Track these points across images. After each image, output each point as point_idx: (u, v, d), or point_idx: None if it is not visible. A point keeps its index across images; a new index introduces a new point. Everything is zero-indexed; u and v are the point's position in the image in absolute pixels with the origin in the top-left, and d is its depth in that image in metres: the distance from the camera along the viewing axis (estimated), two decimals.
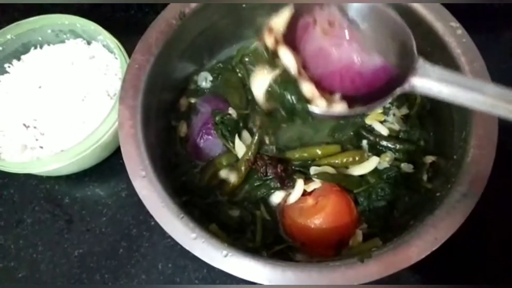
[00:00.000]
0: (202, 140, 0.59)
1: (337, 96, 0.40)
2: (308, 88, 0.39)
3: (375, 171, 0.55)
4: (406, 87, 0.38)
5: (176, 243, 0.62)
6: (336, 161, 0.56)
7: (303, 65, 0.41)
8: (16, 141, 0.61)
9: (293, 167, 0.57)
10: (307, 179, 0.55)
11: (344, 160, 0.55)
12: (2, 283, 0.61)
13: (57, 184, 0.66)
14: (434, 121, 0.58)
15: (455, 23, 0.51)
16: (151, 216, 0.63)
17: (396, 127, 0.58)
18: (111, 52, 0.65)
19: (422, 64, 0.38)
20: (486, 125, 0.47)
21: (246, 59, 0.65)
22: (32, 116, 0.61)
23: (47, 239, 0.63)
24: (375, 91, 0.40)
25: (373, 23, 0.41)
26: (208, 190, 0.56)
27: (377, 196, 0.54)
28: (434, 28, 0.51)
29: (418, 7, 0.52)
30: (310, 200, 0.52)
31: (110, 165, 0.66)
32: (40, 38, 0.66)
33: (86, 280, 0.61)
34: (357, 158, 0.55)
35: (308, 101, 0.40)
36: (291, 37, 0.41)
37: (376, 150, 0.56)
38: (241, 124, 0.59)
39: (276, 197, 0.56)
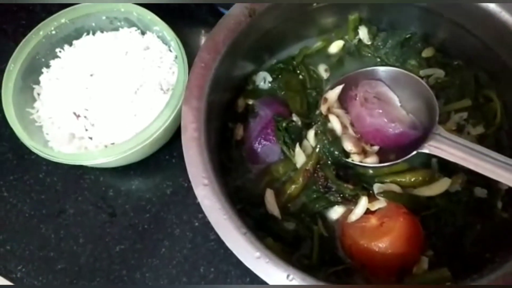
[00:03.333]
0: (260, 145, 0.53)
1: (375, 148, 0.51)
2: (347, 145, 0.50)
3: (445, 193, 0.49)
4: (424, 149, 0.46)
5: (219, 247, 0.57)
6: (403, 180, 0.49)
7: (351, 122, 0.52)
8: (65, 130, 0.56)
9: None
10: (370, 196, 0.49)
11: (412, 179, 0.49)
12: (41, 273, 0.57)
13: (102, 175, 0.61)
14: None
15: None
16: (195, 217, 0.59)
17: None
18: (166, 44, 0.60)
19: (440, 131, 0.46)
20: None
21: (308, 61, 0.58)
22: (83, 105, 0.57)
23: (89, 232, 0.59)
24: (405, 146, 0.49)
25: (407, 90, 0.52)
26: (263, 198, 0.50)
27: (446, 221, 0.48)
28: None
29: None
30: (373, 220, 0.47)
31: (157, 160, 0.61)
32: (93, 24, 0.61)
33: (126, 278, 0.56)
34: (427, 179, 0.49)
35: (347, 154, 0.50)
36: (344, 100, 0.54)
37: (447, 170, 0.50)
38: (303, 132, 0.53)
39: (335, 213, 0.50)
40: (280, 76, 0.58)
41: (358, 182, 0.50)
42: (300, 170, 0.50)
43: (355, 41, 0.59)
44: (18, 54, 0.57)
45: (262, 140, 0.53)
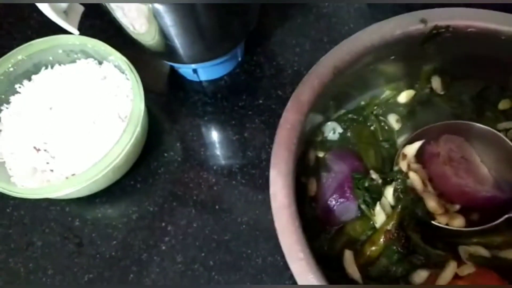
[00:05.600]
0: (336, 203, 0.49)
1: (457, 206, 0.47)
2: (431, 205, 0.46)
3: None
4: None
5: (186, 269, 0.57)
6: (489, 242, 0.45)
7: (429, 178, 0.48)
8: (27, 164, 0.56)
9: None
10: (455, 258, 0.45)
11: (497, 240, 0.45)
12: None
13: (68, 206, 0.61)
14: None
15: None
16: (162, 241, 0.58)
17: None
18: (123, 72, 0.60)
19: None
20: None
21: (378, 111, 0.55)
22: (42, 139, 0.56)
23: (57, 263, 0.58)
24: (489, 206, 0.46)
25: (488, 147, 0.49)
26: (340, 261, 0.46)
27: None
28: None
29: None
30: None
31: (121, 186, 0.61)
32: (51, 58, 0.61)
33: None
34: None
35: (431, 214, 0.46)
36: (420, 156, 0.50)
37: None
38: (382, 189, 0.49)
39: (419, 277, 0.45)
40: (350, 127, 0.54)
41: (442, 245, 0.47)
42: (381, 230, 0.47)
43: (427, 90, 0.55)
44: None
45: (338, 198, 0.49)
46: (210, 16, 0.53)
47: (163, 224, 0.59)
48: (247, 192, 0.60)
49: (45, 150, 0.56)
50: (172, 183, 0.61)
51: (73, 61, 0.62)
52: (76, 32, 0.60)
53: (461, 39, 0.49)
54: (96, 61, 0.61)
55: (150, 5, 0.51)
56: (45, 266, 0.58)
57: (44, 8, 0.54)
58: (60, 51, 0.60)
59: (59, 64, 0.61)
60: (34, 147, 0.56)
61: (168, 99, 0.68)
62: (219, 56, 0.61)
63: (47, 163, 0.56)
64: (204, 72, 0.66)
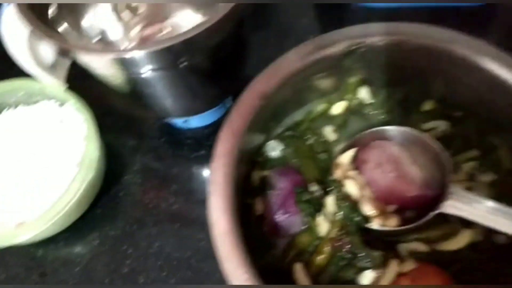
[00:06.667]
0: (282, 218, 0.52)
1: (392, 207, 0.50)
2: (367, 208, 0.49)
3: (470, 244, 0.47)
4: (440, 209, 0.45)
5: None
6: (425, 237, 0.47)
7: (367, 182, 0.51)
8: None
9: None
10: (399, 257, 0.47)
11: (435, 235, 0.47)
12: None
13: None
14: None
15: None
16: (123, 264, 0.61)
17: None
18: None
19: (455, 190, 0.46)
20: None
21: (314, 124, 0.59)
22: None
23: None
24: (422, 203, 0.48)
25: (416, 148, 0.51)
26: (291, 274, 0.48)
27: (476, 273, 0.45)
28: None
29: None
30: (406, 282, 0.45)
31: (82, 215, 0.63)
32: (13, 100, 0.64)
33: None
34: (448, 232, 0.47)
35: (367, 219, 0.48)
36: (355, 161, 0.53)
37: (466, 220, 0.45)
38: (323, 200, 0.52)
39: (366, 278, 0.47)
40: (290, 144, 0.58)
41: (384, 244, 0.48)
42: (326, 239, 0.48)
43: (356, 101, 0.58)
44: None
45: (284, 213, 0.52)
46: (202, 82, 0.56)
47: (124, 247, 0.61)
48: (204, 209, 0.63)
49: None
50: (132, 205, 0.64)
51: (36, 102, 0.65)
52: (64, 86, 0.61)
53: (377, 51, 0.54)
54: (58, 103, 0.64)
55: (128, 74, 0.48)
56: None
57: (28, 64, 0.54)
58: (22, 93, 0.64)
59: (22, 105, 0.64)
60: None
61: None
62: (208, 109, 0.63)
63: None
64: (194, 120, 0.67)
